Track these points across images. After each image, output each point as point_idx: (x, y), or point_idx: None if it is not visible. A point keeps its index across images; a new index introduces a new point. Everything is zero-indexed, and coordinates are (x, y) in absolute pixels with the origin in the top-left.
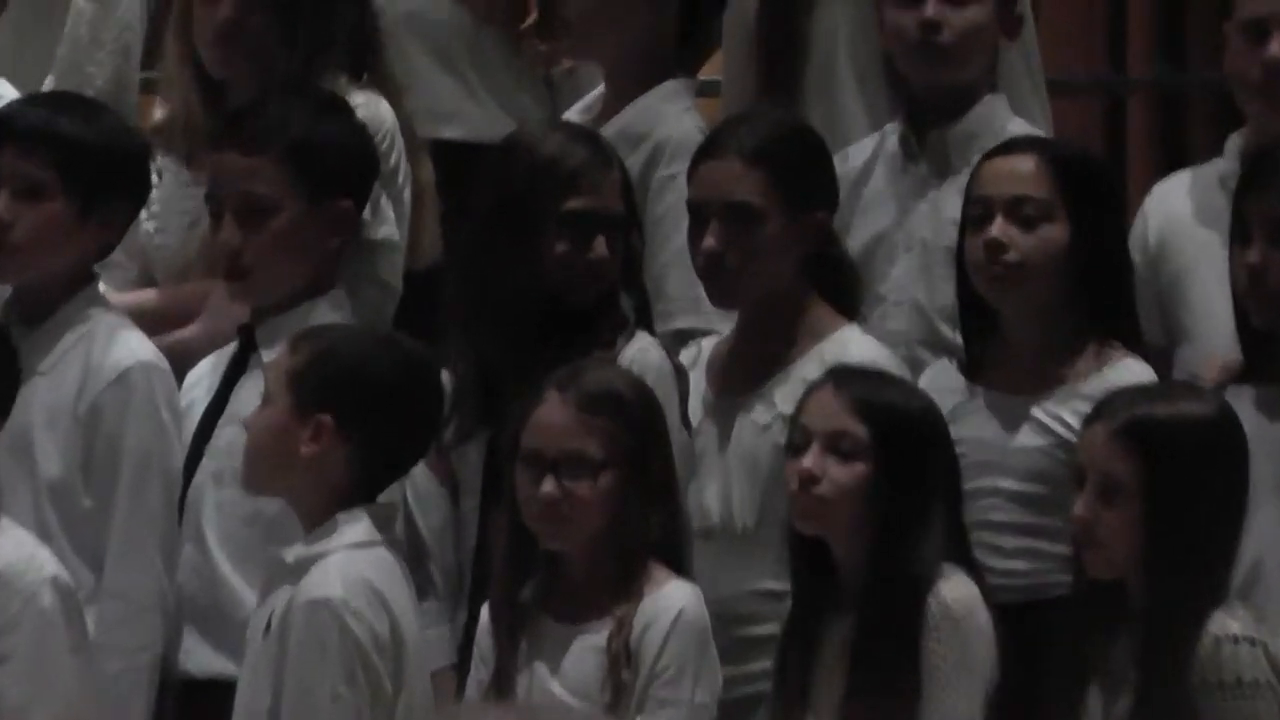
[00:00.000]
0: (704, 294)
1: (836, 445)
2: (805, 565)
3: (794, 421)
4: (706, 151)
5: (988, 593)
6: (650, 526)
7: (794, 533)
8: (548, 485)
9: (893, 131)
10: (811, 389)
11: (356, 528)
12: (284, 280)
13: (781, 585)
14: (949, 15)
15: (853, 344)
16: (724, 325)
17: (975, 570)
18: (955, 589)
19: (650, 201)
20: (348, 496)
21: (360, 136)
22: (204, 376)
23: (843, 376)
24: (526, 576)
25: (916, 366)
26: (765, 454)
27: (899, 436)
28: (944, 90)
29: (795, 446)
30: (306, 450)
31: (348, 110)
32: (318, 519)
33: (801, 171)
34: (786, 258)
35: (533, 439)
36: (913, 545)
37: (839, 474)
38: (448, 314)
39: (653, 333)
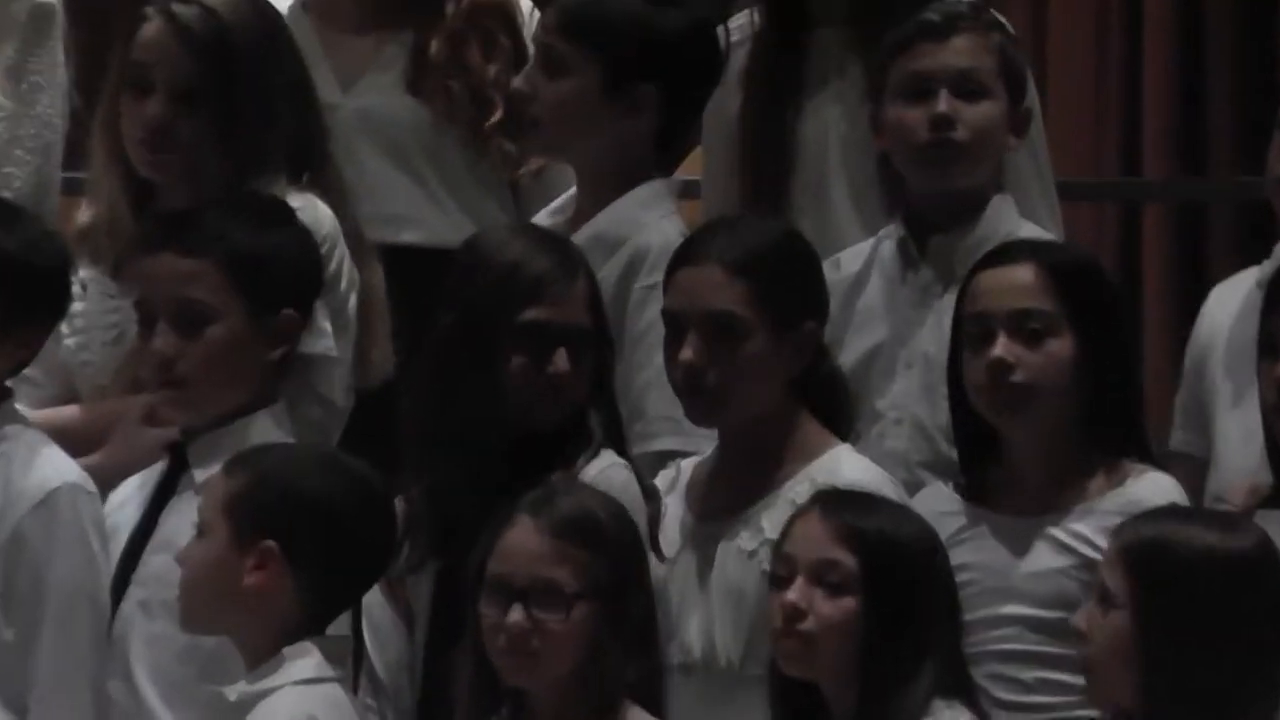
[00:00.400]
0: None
1: (823, 577)
2: (791, 709)
3: (777, 550)
4: (685, 258)
5: None
6: (627, 667)
7: (777, 673)
8: (515, 614)
9: (888, 237)
10: (796, 515)
11: (305, 663)
12: (221, 393)
13: None
14: (962, 111)
15: (845, 465)
16: (710, 446)
17: (976, 707)
18: None
19: (630, 315)
20: (295, 629)
21: (305, 244)
22: (130, 498)
23: (829, 501)
24: (489, 717)
25: (917, 489)
26: (751, 583)
27: (892, 566)
28: (950, 194)
29: (779, 578)
30: (250, 581)
31: (292, 216)
32: (263, 654)
33: (789, 281)
34: (773, 376)
35: (500, 565)
36: (903, 683)
37: (827, 609)
38: (403, 436)
39: (621, 452)
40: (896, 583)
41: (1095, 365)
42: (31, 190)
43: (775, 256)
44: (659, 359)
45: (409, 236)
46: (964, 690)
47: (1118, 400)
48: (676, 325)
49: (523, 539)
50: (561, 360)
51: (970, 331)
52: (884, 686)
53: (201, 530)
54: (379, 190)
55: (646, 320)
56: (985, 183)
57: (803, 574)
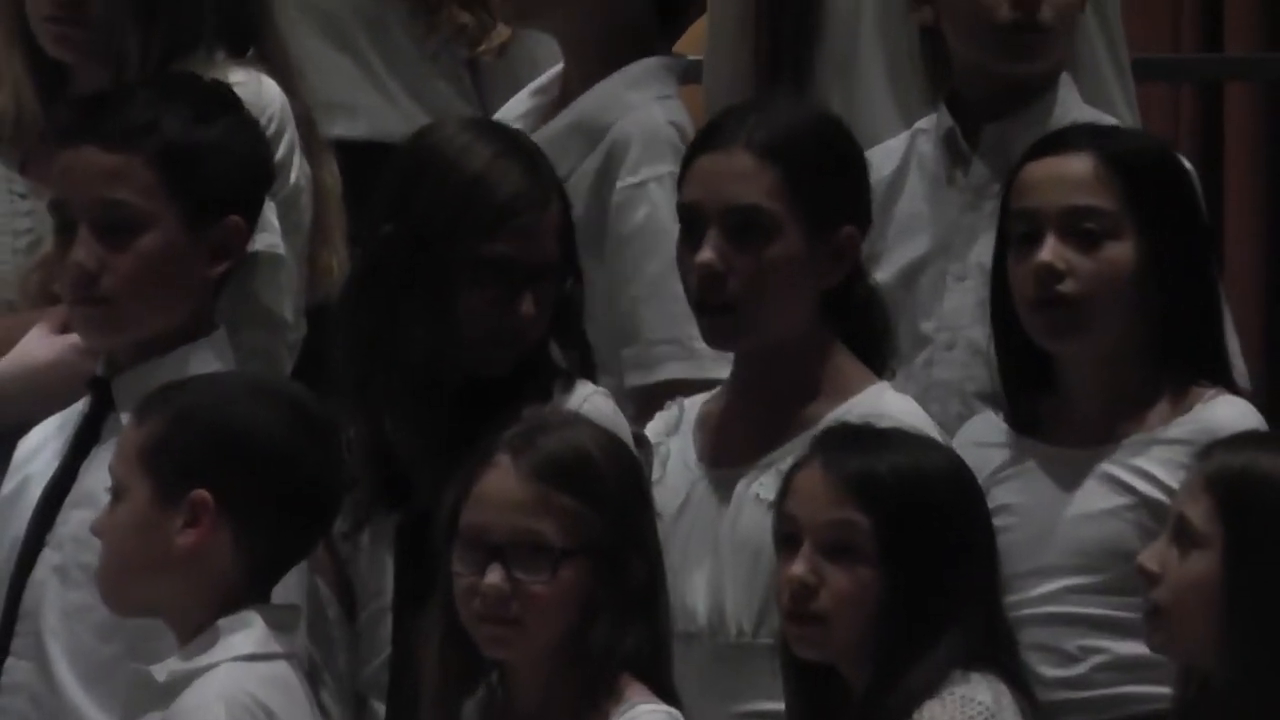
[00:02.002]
0: (693, 332)
1: (834, 542)
2: (804, 690)
3: (780, 508)
4: (707, 143)
5: (1035, 711)
6: (624, 636)
7: (789, 652)
8: (493, 575)
9: (926, 130)
10: (798, 465)
11: (245, 635)
12: (153, 315)
13: (781, 706)
14: None
15: (889, 405)
16: (721, 371)
17: (1017, 679)
18: (947, 713)
19: (612, 218)
20: (236, 595)
21: (252, 137)
22: (45, 443)
23: (833, 446)
24: (464, 694)
25: None
26: (770, 538)
27: (913, 517)
28: (1013, 82)
29: (784, 540)
30: (182, 541)
31: (236, 103)
32: (200, 628)
33: (829, 174)
34: (805, 287)
35: (476, 515)
36: (920, 653)
37: (840, 583)
38: (335, 367)
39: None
40: (919, 537)
41: (1164, 274)
42: None
43: (814, 144)
44: (650, 269)
45: (347, 129)
46: (998, 658)
47: (1191, 316)
48: (694, 221)
49: (501, 484)
50: (528, 304)
51: (1016, 232)
52: (897, 660)
53: (116, 493)
54: (315, 74)
55: (632, 225)
56: (1054, 64)
57: (809, 540)
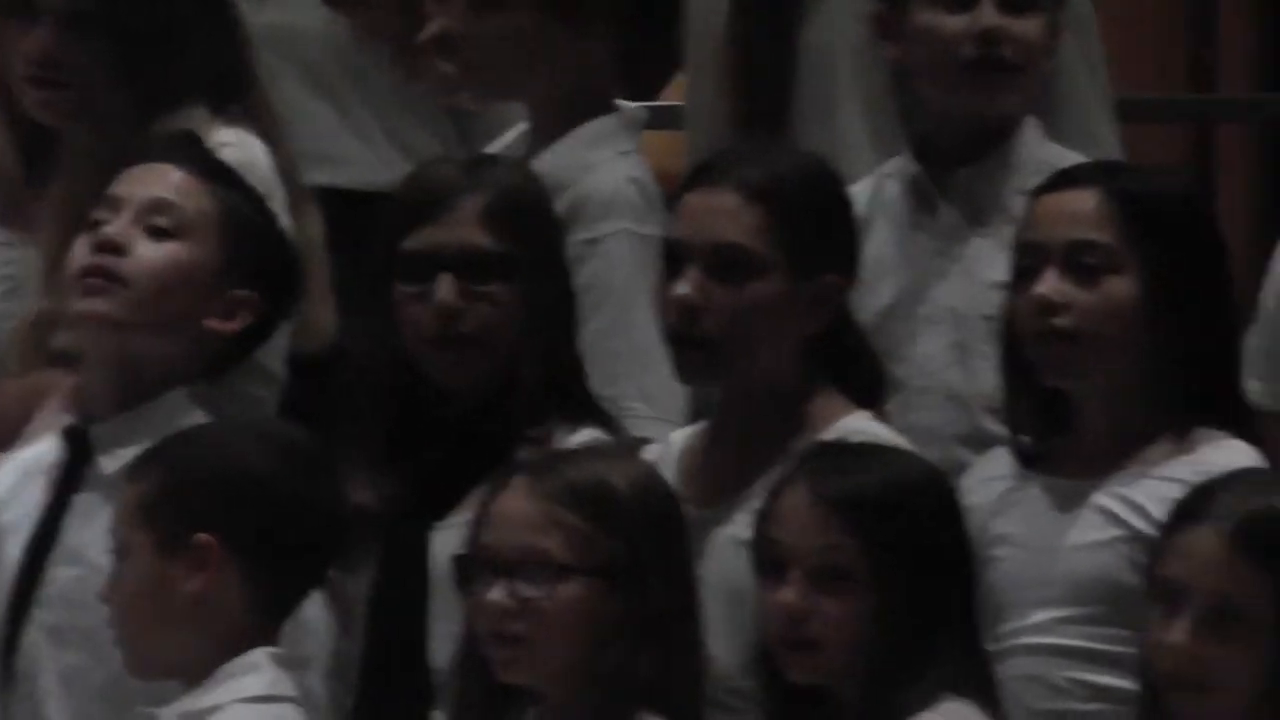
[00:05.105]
0: (628, 390)
1: (823, 568)
2: (791, 715)
3: (763, 531)
4: (696, 180)
5: None
6: (639, 664)
7: (774, 676)
8: (496, 592)
9: (892, 174)
10: (781, 486)
11: (255, 679)
12: (154, 358)
13: None
14: (1011, 24)
15: (869, 427)
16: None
17: (995, 707)
18: (957, 711)
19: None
20: (245, 636)
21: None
22: (15, 493)
23: (816, 468)
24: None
25: (955, 471)
26: (750, 580)
27: (901, 537)
28: (980, 124)
29: (768, 566)
30: (191, 588)
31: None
32: (210, 671)
33: (815, 220)
34: (783, 330)
35: (488, 535)
36: (913, 675)
37: (832, 608)
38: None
39: (611, 428)
40: (908, 556)
41: (1169, 311)
42: None
43: (803, 189)
44: (593, 325)
45: (331, 177)
46: (979, 685)
47: (1198, 355)
48: (676, 258)
49: (513, 504)
50: (445, 290)
51: (1020, 264)
52: (890, 680)
53: (120, 552)
54: (294, 122)
55: (582, 280)
56: (1021, 104)
57: (798, 566)
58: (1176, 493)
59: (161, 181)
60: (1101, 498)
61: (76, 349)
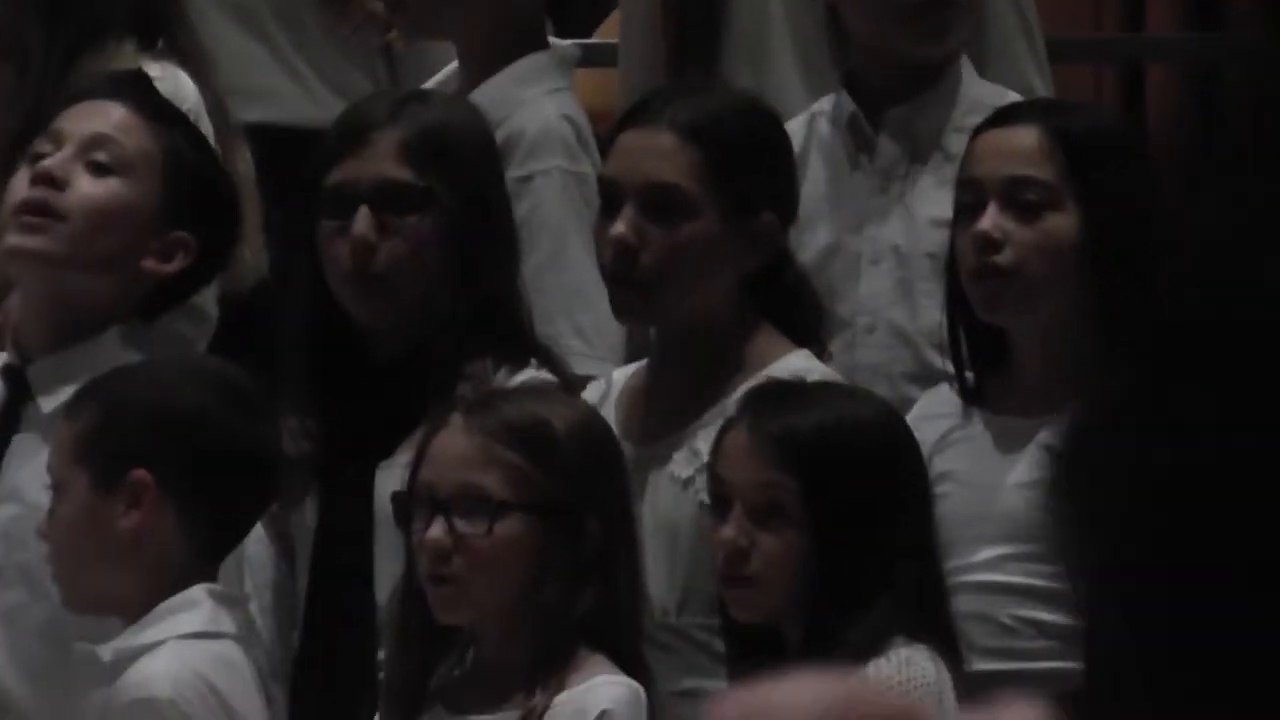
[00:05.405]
0: (564, 329)
1: (761, 504)
2: (745, 654)
3: (711, 471)
4: (631, 119)
5: (967, 682)
6: (576, 600)
7: (730, 619)
8: (435, 529)
9: (824, 112)
10: (726, 426)
11: (192, 614)
12: (90, 297)
13: (711, 683)
14: None
15: (813, 366)
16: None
17: (951, 649)
18: (892, 669)
19: None
20: (183, 575)
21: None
22: None
23: (757, 405)
24: (426, 663)
25: (904, 408)
26: (687, 518)
27: (839, 475)
28: (914, 63)
29: (717, 505)
30: (127, 524)
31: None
32: (149, 610)
33: (750, 159)
34: (718, 269)
35: (426, 472)
36: (852, 614)
37: (769, 544)
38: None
39: (555, 367)
40: (847, 495)
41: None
42: None
43: (738, 128)
44: (530, 262)
45: (262, 114)
46: (935, 629)
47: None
48: (612, 197)
49: (450, 441)
50: (361, 224)
51: (961, 201)
52: (830, 619)
53: (57, 489)
54: (224, 61)
55: (519, 216)
56: (958, 44)
57: (738, 502)
58: None
59: (105, 118)
60: (1045, 435)
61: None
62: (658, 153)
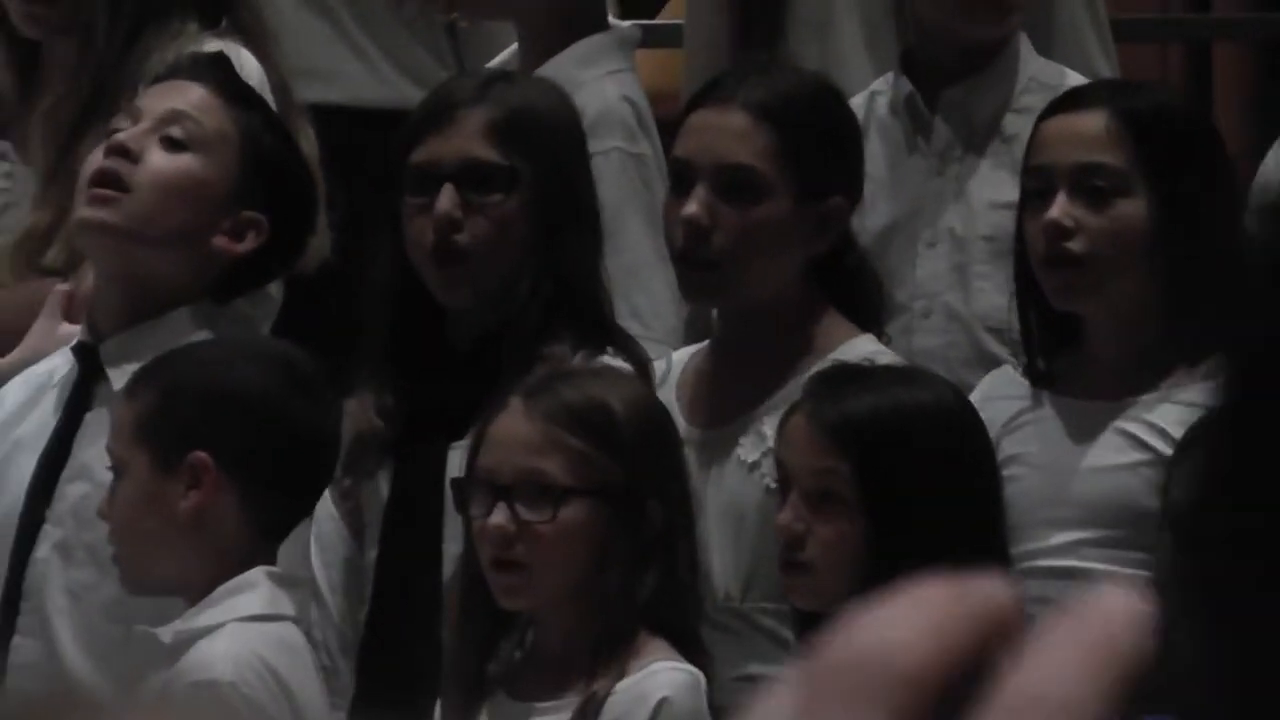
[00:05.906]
0: (635, 305)
1: (817, 490)
2: (809, 640)
3: (777, 456)
4: (704, 98)
5: None
6: (640, 584)
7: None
8: (498, 515)
9: (883, 91)
10: (789, 412)
11: (252, 596)
12: (160, 274)
13: (774, 669)
14: None
15: (871, 354)
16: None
17: None
18: None
19: None
20: (243, 557)
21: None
22: (29, 405)
23: (819, 390)
24: (487, 646)
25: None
26: (752, 502)
27: (895, 461)
28: (972, 43)
29: (781, 488)
30: (187, 505)
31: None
32: (209, 591)
33: (823, 142)
34: (788, 252)
35: (486, 458)
36: None
37: (824, 531)
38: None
39: (631, 352)
40: (902, 481)
41: (1179, 233)
42: None
43: (811, 111)
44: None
45: (325, 94)
46: None
47: (1207, 277)
48: (683, 177)
49: (510, 425)
50: (446, 199)
51: (1029, 188)
52: None
53: (117, 471)
54: (288, 39)
55: None
56: (1017, 24)
57: (796, 488)
58: (1199, 416)
59: (183, 96)
60: (1124, 422)
61: (64, 264)
62: (731, 133)
